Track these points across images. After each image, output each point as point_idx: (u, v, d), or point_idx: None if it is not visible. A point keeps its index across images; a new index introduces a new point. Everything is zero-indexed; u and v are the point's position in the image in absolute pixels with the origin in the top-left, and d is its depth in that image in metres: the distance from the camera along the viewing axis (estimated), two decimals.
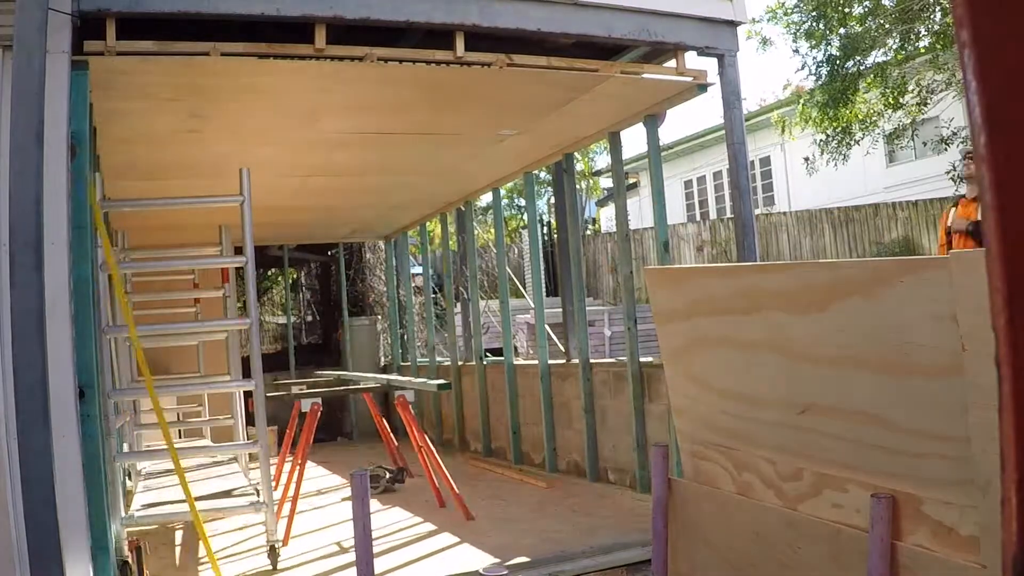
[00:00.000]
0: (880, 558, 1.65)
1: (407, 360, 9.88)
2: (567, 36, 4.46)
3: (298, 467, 5.42)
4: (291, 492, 5.29)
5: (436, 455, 5.64)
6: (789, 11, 12.62)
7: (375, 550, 3.60)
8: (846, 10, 12.01)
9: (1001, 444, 0.68)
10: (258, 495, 4.44)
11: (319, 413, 5.40)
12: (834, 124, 12.41)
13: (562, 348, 7.38)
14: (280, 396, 5.94)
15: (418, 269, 11.98)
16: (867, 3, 12.05)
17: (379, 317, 11.24)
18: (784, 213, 17.69)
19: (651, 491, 2.46)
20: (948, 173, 13.27)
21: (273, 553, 4.28)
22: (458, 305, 9.40)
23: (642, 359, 5.66)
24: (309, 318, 13.33)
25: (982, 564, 1.49)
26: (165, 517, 4.58)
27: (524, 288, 13.41)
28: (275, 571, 4.26)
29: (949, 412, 1.52)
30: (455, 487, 5.35)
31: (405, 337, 10.16)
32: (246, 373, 4.47)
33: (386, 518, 5.41)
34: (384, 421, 6.92)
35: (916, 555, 1.64)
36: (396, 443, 7.05)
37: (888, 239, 16.05)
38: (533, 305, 7.77)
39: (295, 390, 6.21)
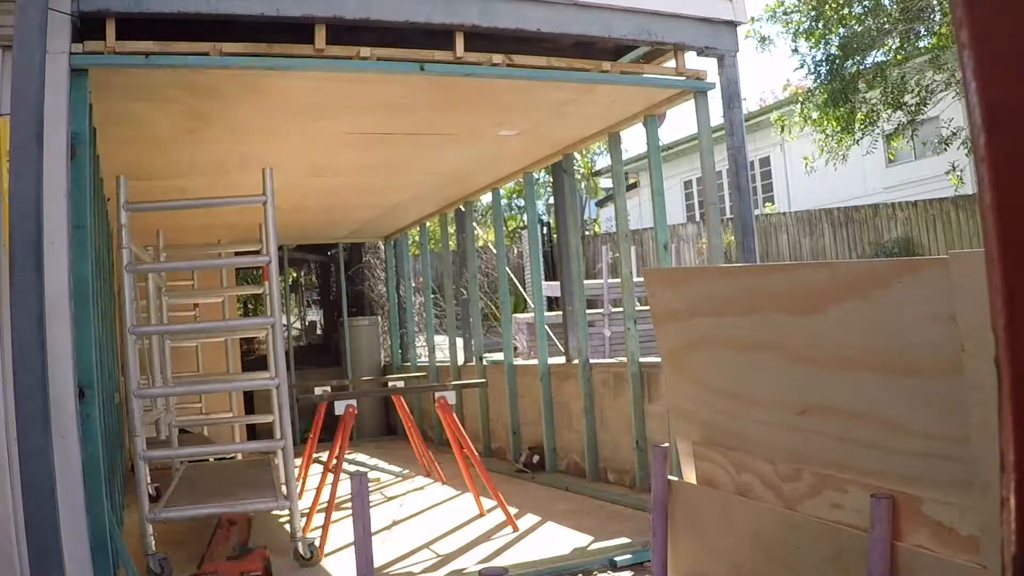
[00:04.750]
0: (880, 558, 1.65)
1: (407, 360, 9.87)
2: (567, 36, 4.46)
3: (332, 472, 5.06)
4: (324, 497, 5.04)
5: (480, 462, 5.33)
6: (788, 10, 12.62)
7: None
8: (844, 10, 12.00)
9: (1001, 444, 0.68)
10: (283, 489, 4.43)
11: (355, 415, 5.06)
12: (833, 123, 12.41)
13: (562, 348, 7.37)
14: (309, 397, 5.79)
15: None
16: (866, 3, 12.04)
17: (379, 317, 11.22)
18: (784, 213, 17.69)
19: (651, 491, 2.46)
20: (948, 173, 13.27)
21: (301, 549, 4.23)
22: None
23: (642, 359, 5.66)
24: (309, 318, 13.32)
25: (982, 564, 1.49)
26: (191, 514, 4.47)
27: (524, 288, 13.39)
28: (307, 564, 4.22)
29: (949, 412, 1.52)
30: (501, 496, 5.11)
31: (405, 337, 10.15)
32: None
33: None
34: (414, 425, 6.81)
35: (916, 555, 1.64)
36: (425, 446, 6.95)
37: (888, 239, 16.05)
38: (533, 305, 7.76)
39: (317, 391, 6.03)
